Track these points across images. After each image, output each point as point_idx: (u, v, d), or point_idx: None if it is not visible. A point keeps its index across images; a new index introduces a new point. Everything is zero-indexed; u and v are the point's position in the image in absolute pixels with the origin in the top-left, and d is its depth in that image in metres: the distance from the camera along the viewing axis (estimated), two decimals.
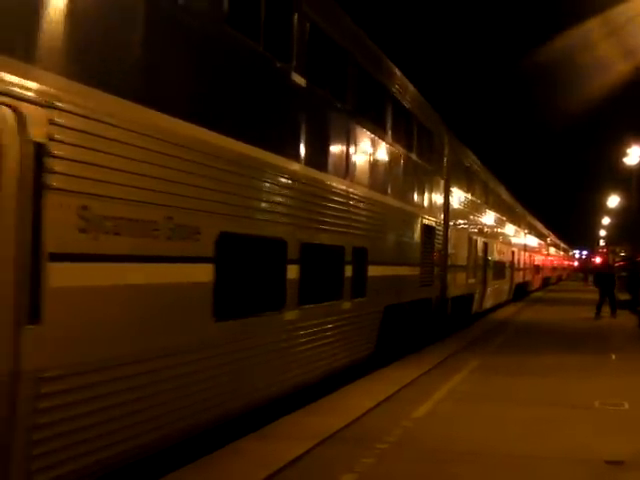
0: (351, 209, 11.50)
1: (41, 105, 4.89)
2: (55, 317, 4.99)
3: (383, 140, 13.38)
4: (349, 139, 11.50)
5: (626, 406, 10.27)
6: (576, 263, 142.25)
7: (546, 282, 66.62)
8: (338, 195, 10.95)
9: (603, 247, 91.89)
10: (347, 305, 11.34)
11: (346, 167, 11.37)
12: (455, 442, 8.09)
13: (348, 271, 11.36)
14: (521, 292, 42.27)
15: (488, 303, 28.42)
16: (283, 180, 8.91)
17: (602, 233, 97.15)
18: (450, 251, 20.12)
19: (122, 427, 5.83)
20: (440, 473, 7.05)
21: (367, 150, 12.47)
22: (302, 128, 9.66)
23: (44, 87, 4.93)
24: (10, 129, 4.68)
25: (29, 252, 4.80)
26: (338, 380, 10.99)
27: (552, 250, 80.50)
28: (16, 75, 4.71)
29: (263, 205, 8.39)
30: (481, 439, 8.25)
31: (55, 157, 4.98)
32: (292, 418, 8.86)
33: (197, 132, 6.88)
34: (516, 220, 41.48)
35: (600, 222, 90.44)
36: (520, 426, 8.96)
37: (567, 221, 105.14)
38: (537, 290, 54.67)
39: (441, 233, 18.98)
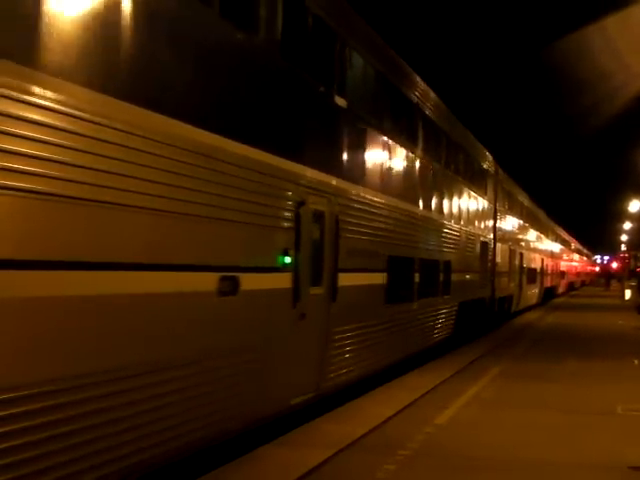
0: (442, 234, 16.66)
1: (335, 195, 9.98)
2: (338, 300, 10.04)
3: (460, 183, 18.76)
4: (445, 188, 16.88)
5: None
6: (597, 269, 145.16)
7: (571, 287, 71.26)
8: (436, 226, 16.12)
9: (624, 252, 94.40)
10: (440, 300, 16.43)
11: (440, 207, 16.53)
12: (478, 449, 8.13)
13: (440, 277, 16.46)
14: (549, 295, 47.15)
15: (523, 304, 33.40)
16: (414, 222, 14.19)
17: (624, 238, 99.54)
18: (497, 261, 25.15)
19: (360, 360, 10.99)
20: None
21: (451, 191, 17.71)
22: (421, 186, 14.96)
23: (333, 184, 10.00)
24: (329, 207, 9.75)
25: (331, 268, 9.86)
26: (358, 388, 11.24)
27: (575, 256, 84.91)
28: (330, 182, 9.79)
29: (405, 238, 13.54)
30: (504, 446, 8.31)
31: (341, 220, 10.06)
32: (312, 426, 8.95)
33: (393, 201, 12.46)
34: (544, 230, 46.29)
35: (621, 227, 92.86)
36: (543, 433, 8.97)
37: (589, 227, 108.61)
38: (563, 294, 59.19)
39: (491, 247, 24.07)
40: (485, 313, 23.06)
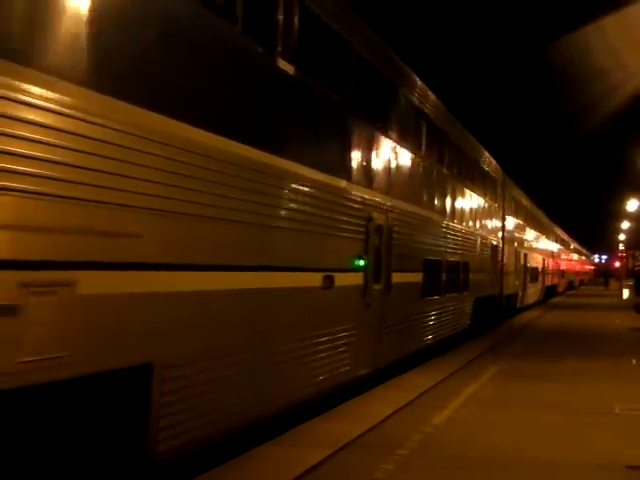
0: (462, 239, 19.45)
1: (389, 211, 12.69)
2: (390, 294, 12.72)
3: (476, 193, 21.60)
4: (464, 199, 19.75)
5: None
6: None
7: (570, 285, 73.86)
8: (457, 232, 18.89)
9: (622, 251, 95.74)
10: (460, 296, 19.19)
11: (461, 215, 19.33)
12: (475, 448, 8.13)
13: (461, 276, 19.22)
14: (549, 294, 49.90)
15: (526, 301, 36.18)
16: (442, 229, 16.94)
17: (622, 237, 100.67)
18: (505, 261, 27.90)
19: (403, 343, 13.73)
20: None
21: (469, 201, 20.50)
22: (446, 198, 17.79)
23: (387, 203, 12.70)
24: (385, 221, 12.44)
25: (387, 268, 12.56)
26: (356, 388, 11.28)
27: (575, 256, 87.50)
28: (384, 201, 12.49)
29: (435, 243, 16.29)
30: (502, 445, 8.30)
31: (393, 231, 12.77)
32: (310, 425, 8.97)
33: (427, 213, 15.33)
34: (545, 231, 48.96)
35: (619, 226, 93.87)
36: (540, 432, 8.97)
37: (587, 226, 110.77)
38: (562, 293, 61.66)
39: (500, 248, 26.84)
40: (495, 308, 25.84)
